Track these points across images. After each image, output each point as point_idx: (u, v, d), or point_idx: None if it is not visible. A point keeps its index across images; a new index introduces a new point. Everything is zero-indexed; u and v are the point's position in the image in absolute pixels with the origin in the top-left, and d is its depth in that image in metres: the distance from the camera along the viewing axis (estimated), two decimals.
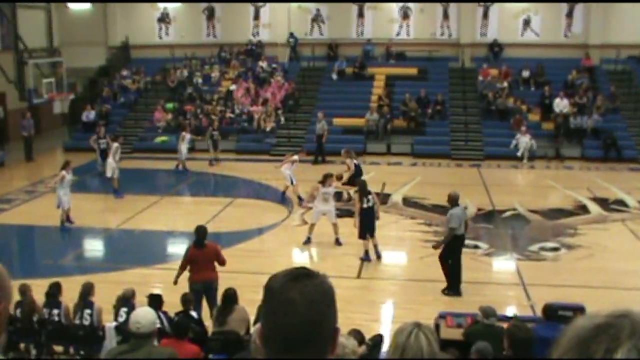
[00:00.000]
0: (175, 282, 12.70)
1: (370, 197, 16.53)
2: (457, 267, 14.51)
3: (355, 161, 21.75)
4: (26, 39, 26.21)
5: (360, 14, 35.70)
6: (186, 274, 12.78)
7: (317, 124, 29.00)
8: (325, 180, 17.69)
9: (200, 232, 12.76)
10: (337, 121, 31.31)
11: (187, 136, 26.89)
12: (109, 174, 22.96)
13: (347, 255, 16.80)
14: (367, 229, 16.46)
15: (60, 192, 19.38)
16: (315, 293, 2.01)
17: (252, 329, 7.46)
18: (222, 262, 12.82)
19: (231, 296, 10.57)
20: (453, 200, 14.53)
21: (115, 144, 23.35)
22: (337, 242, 17.67)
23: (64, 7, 37.16)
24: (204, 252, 12.60)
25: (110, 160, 22.99)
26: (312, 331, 1.99)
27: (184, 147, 26.66)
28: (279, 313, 1.99)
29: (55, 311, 11.29)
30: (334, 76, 34.23)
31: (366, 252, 16.61)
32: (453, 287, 14.45)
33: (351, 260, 16.49)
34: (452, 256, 14.47)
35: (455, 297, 14.31)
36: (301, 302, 1.97)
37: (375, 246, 16.75)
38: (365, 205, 16.40)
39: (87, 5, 37.94)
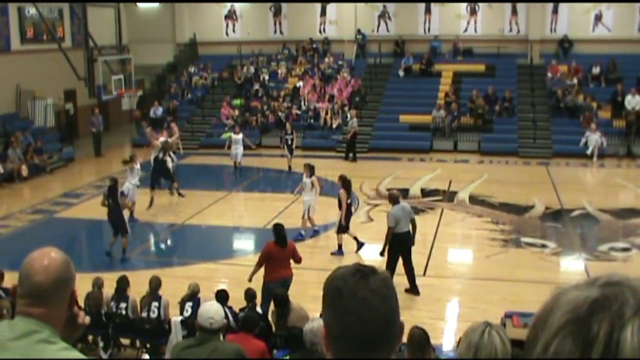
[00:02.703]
0: (250, 280, 12.64)
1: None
2: (409, 265, 14.32)
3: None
4: (96, 36, 26.69)
5: (427, 10, 35.35)
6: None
7: (349, 121, 28.91)
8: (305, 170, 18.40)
9: (282, 231, 12.80)
10: (403, 118, 31.13)
11: (236, 136, 26.35)
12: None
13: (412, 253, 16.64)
14: (348, 224, 16.94)
15: (129, 183, 19.60)
16: (384, 289, 1.98)
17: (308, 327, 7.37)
18: (299, 260, 12.87)
19: (281, 298, 10.42)
20: (393, 199, 14.47)
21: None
22: (300, 236, 17.84)
23: (133, 5, 37.76)
24: (284, 250, 12.62)
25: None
26: (387, 328, 1.97)
27: (234, 148, 26.14)
28: (352, 313, 1.95)
29: (123, 304, 11.44)
30: (401, 73, 34.00)
31: (340, 247, 16.94)
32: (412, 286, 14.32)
33: (417, 257, 16.29)
34: (398, 255, 14.18)
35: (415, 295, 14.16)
36: (374, 300, 1.95)
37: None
38: (349, 201, 16.94)
39: (155, 4, 38.50)
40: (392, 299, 1.99)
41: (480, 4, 34.86)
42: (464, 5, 35.04)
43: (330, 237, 18.20)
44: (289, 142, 26.22)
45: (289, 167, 26.01)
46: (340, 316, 1.97)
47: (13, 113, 29.62)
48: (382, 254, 14.33)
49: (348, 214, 16.86)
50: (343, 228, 16.83)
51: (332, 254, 16.74)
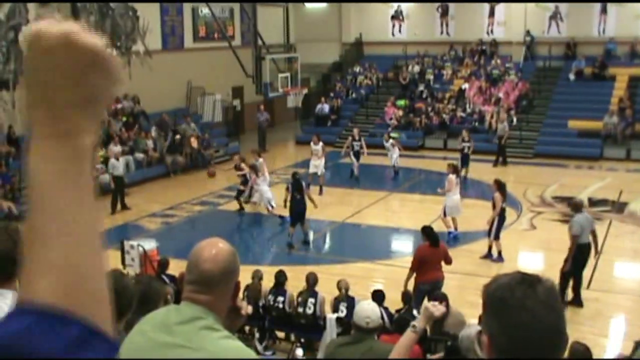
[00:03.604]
0: (406, 286, 12.50)
1: None
2: (578, 278, 13.74)
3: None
4: (264, 35, 27.21)
5: (603, 11, 33.80)
6: None
7: (499, 125, 27.94)
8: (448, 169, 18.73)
9: (432, 231, 12.79)
10: (572, 124, 30.00)
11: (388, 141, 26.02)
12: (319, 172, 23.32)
13: None
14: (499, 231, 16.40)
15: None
16: (552, 298, 1.92)
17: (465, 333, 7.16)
18: (450, 262, 12.75)
19: (441, 299, 10.22)
20: (576, 207, 13.90)
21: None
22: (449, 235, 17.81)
23: (301, 5, 38.50)
24: (436, 252, 12.55)
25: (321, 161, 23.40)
26: (555, 339, 1.91)
27: (395, 153, 25.69)
28: (520, 324, 1.88)
29: (280, 298, 11.60)
30: (571, 76, 32.80)
31: (500, 253, 16.41)
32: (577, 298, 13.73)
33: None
34: (578, 266, 13.61)
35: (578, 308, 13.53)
36: (543, 311, 1.87)
37: None
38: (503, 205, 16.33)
39: (322, 4, 39.08)
40: (560, 309, 1.94)
41: None
42: None
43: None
44: (466, 150, 24.80)
45: (464, 177, 24.33)
46: (507, 326, 1.90)
47: (184, 108, 30.91)
48: (566, 263, 13.78)
49: (501, 220, 16.33)
50: (491, 233, 16.35)
51: (492, 260, 16.32)
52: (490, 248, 16.50)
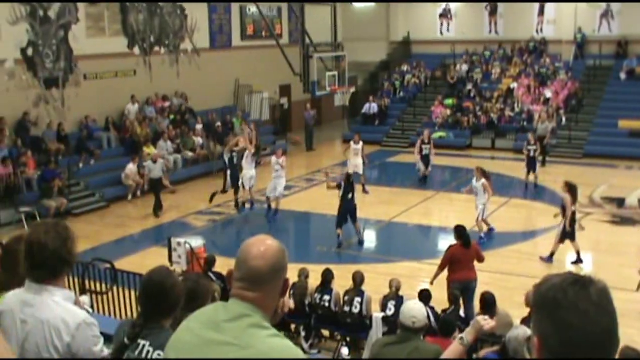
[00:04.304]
0: (432, 283, 12.67)
1: None
2: None
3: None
4: (312, 34, 27.26)
5: None
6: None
7: (541, 125, 27.59)
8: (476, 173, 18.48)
9: (465, 232, 12.76)
10: (623, 124, 29.50)
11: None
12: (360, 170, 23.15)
13: (625, 267, 15.59)
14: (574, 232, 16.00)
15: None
16: (605, 300, 1.89)
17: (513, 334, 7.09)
18: (482, 260, 12.78)
19: (489, 301, 10.12)
20: None
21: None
22: (481, 240, 17.49)
23: (349, 4, 38.47)
24: (467, 252, 12.58)
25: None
26: (608, 342, 1.88)
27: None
28: (573, 326, 1.85)
29: (327, 297, 11.62)
30: (622, 75, 32.30)
31: (552, 255, 16.09)
32: None
33: (628, 272, 15.30)
34: None
35: None
36: (597, 313, 1.85)
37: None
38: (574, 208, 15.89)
39: (370, 3, 39.03)
40: (613, 311, 1.90)
41: None
42: None
43: (538, 244, 17.60)
44: (532, 153, 23.53)
45: (527, 184, 23.76)
46: (559, 328, 1.87)
47: (232, 106, 31.09)
48: None
49: (572, 222, 15.98)
50: (569, 235, 15.98)
51: (541, 258, 16.10)
52: (578, 252, 16.11)
